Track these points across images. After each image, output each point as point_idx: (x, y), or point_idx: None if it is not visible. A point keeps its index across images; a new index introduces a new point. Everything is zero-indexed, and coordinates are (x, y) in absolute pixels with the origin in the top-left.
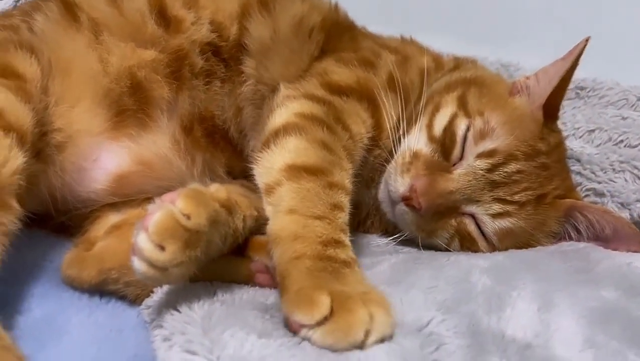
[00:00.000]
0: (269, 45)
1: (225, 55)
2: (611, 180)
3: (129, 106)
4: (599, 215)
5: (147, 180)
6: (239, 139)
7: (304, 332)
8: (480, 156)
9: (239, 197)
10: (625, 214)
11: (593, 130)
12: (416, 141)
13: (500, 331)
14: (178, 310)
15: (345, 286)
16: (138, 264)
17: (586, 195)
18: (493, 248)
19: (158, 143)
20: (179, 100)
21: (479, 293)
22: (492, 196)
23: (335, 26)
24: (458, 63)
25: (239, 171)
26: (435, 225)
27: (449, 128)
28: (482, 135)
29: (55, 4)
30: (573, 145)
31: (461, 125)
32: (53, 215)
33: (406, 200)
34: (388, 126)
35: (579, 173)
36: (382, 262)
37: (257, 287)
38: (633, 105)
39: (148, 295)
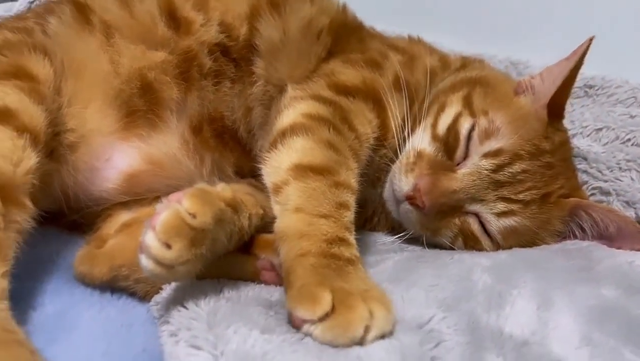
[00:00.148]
0: (279, 46)
1: (234, 55)
2: (617, 179)
3: (139, 107)
4: (603, 213)
5: (157, 179)
6: (247, 139)
7: (306, 327)
8: (486, 156)
9: (245, 196)
10: (630, 213)
11: (600, 129)
12: (420, 141)
13: (498, 329)
14: (185, 307)
15: (348, 284)
16: (145, 262)
17: (592, 194)
18: (497, 246)
19: (168, 143)
20: (188, 100)
21: (480, 291)
22: (496, 195)
23: (343, 27)
24: (465, 62)
25: (248, 170)
26: (439, 224)
27: (453, 128)
28: (488, 135)
29: (68, 6)
30: (580, 143)
31: (465, 125)
32: (66, 213)
33: (410, 199)
34: (393, 126)
35: (585, 171)
36: (387, 260)
37: (262, 284)
38: None
39: (157, 292)
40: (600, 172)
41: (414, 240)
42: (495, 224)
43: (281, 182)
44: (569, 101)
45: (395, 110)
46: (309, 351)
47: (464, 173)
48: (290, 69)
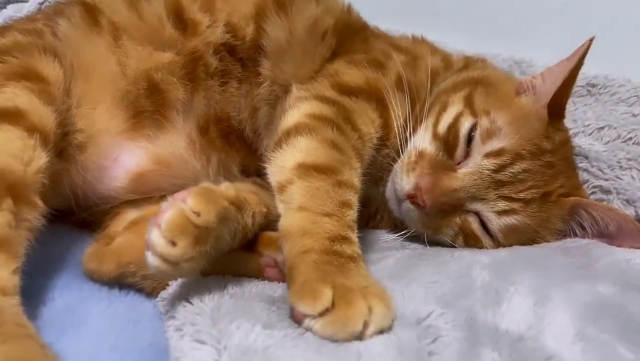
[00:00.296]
0: (285, 46)
1: (241, 55)
2: (618, 177)
3: (146, 107)
4: (603, 212)
5: (163, 178)
6: (253, 139)
7: (306, 322)
8: (488, 155)
9: (249, 195)
10: (630, 211)
11: (602, 128)
12: (422, 140)
13: (495, 325)
14: (190, 302)
15: (349, 280)
16: (151, 258)
17: (593, 192)
18: (498, 244)
19: (174, 143)
20: (195, 101)
21: (479, 288)
22: (497, 194)
23: (348, 28)
24: (467, 62)
25: (254, 169)
26: (440, 223)
27: (453, 127)
28: (489, 135)
29: (77, 8)
30: (582, 142)
31: (465, 124)
32: (75, 211)
33: (411, 198)
34: (396, 126)
35: (586, 170)
36: (389, 257)
37: (266, 281)
38: None
39: (164, 288)
40: (601, 170)
41: (415, 238)
42: (496, 222)
43: (286, 181)
44: (572, 100)
45: (398, 110)
46: (309, 345)
47: (465, 173)
48: (295, 69)
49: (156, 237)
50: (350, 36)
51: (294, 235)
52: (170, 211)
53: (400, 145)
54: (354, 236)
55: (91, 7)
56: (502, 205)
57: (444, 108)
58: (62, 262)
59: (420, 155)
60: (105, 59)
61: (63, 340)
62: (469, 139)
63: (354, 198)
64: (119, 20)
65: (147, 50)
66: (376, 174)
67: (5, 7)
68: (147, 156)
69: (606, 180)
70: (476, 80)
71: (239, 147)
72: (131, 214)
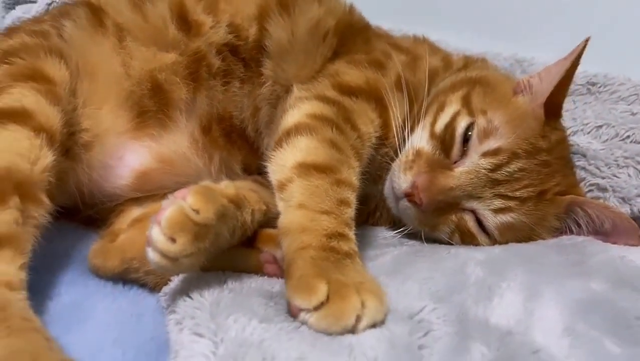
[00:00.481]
0: (287, 47)
1: (243, 55)
2: (615, 176)
3: (150, 107)
4: (599, 210)
5: (167, 176)
6: (255, 137)
7: (302, 316)
8: (485, 155)
9: (248, 193)
10: (625, 209)
11: (601, 126)
12: (419, 139)
13: (485, 319)
14: (190, 297)
15: (344, 276)
16: (152, 254)
17: (589, 190)
18: (494, 242)
19: (177, 142)
20: (198, 100)
21: (472, 284)
22: (493, 193)
23: (349, 28)
24: (467, 62)
25: (255, 168)
26: (436, 220)
27: (450, 126)
28: (486, 134)
29: (83, 9)
30: (580, 140)
31: (461, 123)
32: (81, 208)
33: (408, 196)
34: (394, 126)
35: (583, 168)
36: (386, 254)
37: (265, 277)
38: None
39: (166, 283)
40: (598, 168)
41: (413, 235)
42: (492, 220)
43: (286, 180)
44: (572, 98)
45: (397, 110)
46: (303, 339)
47: (462, 172)
48: (296, 70)
49: (156, 234)
50: (351, 36)
51: (292, 231)
52: (170, 209)
53: (399, 144)
54: (351, 233)
55: (96, 9)
56: (498, 203)
57: (441, 108)
58: (68, 258)
59: (418, 154)
60: (110, 60)
61: (69, 334)
62: (466, 138)
63: (352, 197)
64: (123, 21)
65: (151, 51)
66: (375, 173)
67: (14, 8)
68: (151, 155)
69: (603, 178)
70: (474, 80)
71: (241, 146)
72: (135, 211)
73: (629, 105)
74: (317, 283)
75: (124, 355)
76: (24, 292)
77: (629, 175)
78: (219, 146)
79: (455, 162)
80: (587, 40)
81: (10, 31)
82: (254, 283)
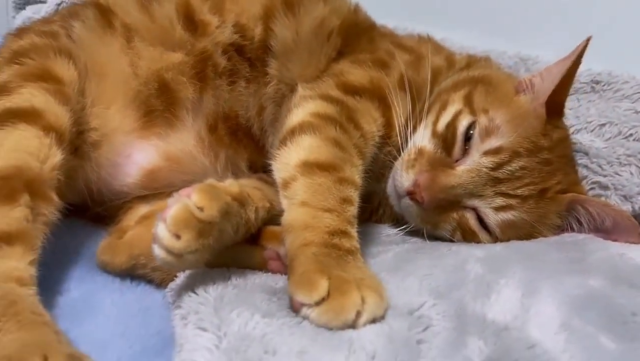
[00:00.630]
0: (291, 46)
1: (249, 55)
2: (616, 174)
3: (157, 107)
4: (600, 208)
5: (174, 174)
6: (260, 136)
7: (303, 311)
8: (486, 153)
9: (252, 190)
10: (627, 207)
11: (604, 124)
12: (422, 138)
13: (482, 315)
14: (195, 292)
15: (345, 272)
16: (157, 251)
17: (591, 188)
18: (496, 239)
19: (184, 140)
20: (204, 100)
21: (471, 280)
22: (494, 191)
23: (354, 28)
24: (470, 61)
25: (261, 166)
26: (438, 218)
27: (452, 124)
28: (488, 133)
29: (91, 10)
30: (583, 138)
31: (463, 122)
32: (90, 206)
33: (410, 194)
34: (397, 125)
35: (585, 166)
36: (388, 251)
37: (269, 273)
38: None
39: (172, 279)
40: (600, 166)
41: (415, 233)
42: (493, 218)
43: (289, 178)
44: (576, 96)
45: (400, 109)
46: (304, 333)
47: (463, 170)
48: (301, 69)
49: (162, 231)
50: (356, 36)
51: (296, 228)
52: (175, 206)
53: (402, 143)
54: (353, 231)
55: (105, 10)
56: (500, 201)
57: (443, 107)
58: (77, 254)
59: (420, 152)
60: (118, 60)
61: (78, 328)
62: (468, 137)
63: (354, 195)
64: (131, 22)
65: (158, 51)
66: (378, 171)
67: (24, 8)
68: (158, 153)
69: (605, 176)
70: (477, 79)
71: (247, 144)
72: (142, 209)
73: (632, 103)
74: (318, 278)
75: (130, 348)
76: (34, 287)
77: (631, 173)
78: (225, 144)
79: (457, 161)
80: (588, 40)
81: (21, 32)
82: (258, 279)
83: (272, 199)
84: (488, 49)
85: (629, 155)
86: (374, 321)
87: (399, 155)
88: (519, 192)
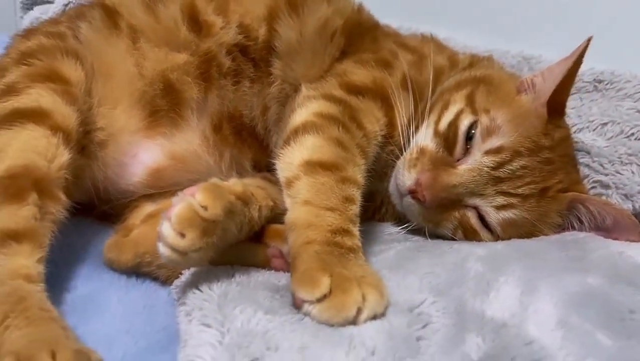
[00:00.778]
0: (295, 47)
1: (253, 55)
2: (618, 172)
3: (162, 107)
4: (600, 206)
5: (179, 173)
6: (264, 135)
7: (305, 307)
8: (487, 153)
9: (256, 189)
10: (628, 205)
11: (606, 123)
12: (424, 137)
13: (481, 312)
14: (199, 290)
15: (347, 270)
16: (162, 249)
17: (592, 187)
18: (497, 238)
19: (189, 140)
20: (208, 100)
21: (471, 278)
22: (495, 190)
23: (357, 28)
24: (472, 61)
25: (265, 165)
26: (440, 217)
27: (454, 123)
28: (489, 132)
29: (98, 11)
30: (585, 137)
31: (465, 121)
32: (96, 204)
33: (412, 193)
34: (400, 124)
35: (587, 165)
36: (390, 249)
37: (272, 271)
38: None
39: (177, 277)
40: (601, 165)
41: (418, 231)
42: (495, 216)
43: (293, 177)
44: (579, 96)
45: (402, 109)
46: (306, 330)
47: (465, 169)
48: (305, 69)
49: (167, 229)
50: (359, 36)
51: (298, 227)
52: (179, 205)
53: (404, 142)
54: (355, 229)
55: (111, 10)
56: (501, 200)
57: (445, 107)
58: (84, 252)
59: (422, 151)
60: (124, 61)
61: (85, 325)
62: (469, 137)
63: (357, 194)
64: (136, 23)
65: (163, 51)
66: (381, 170)
67: (31, 9)
68: (163, 153)
69: (606, 175)
70: (479, 79)
71: (251, 144)
72: (148, 207)
73: (634, 102)
74: (320, 276)
75: (136, 344)
76: (42, 284)
77: (632, 172)
78: (230, 144)
79: (458, 160)
80: (589, 40)
81: (28, 33)
82: (261, 276)
83: (275, 198)
84: (491, 49)
85: (630, 154)
86: (374, 318)
87: (402, 154)
88: (520, 190)
